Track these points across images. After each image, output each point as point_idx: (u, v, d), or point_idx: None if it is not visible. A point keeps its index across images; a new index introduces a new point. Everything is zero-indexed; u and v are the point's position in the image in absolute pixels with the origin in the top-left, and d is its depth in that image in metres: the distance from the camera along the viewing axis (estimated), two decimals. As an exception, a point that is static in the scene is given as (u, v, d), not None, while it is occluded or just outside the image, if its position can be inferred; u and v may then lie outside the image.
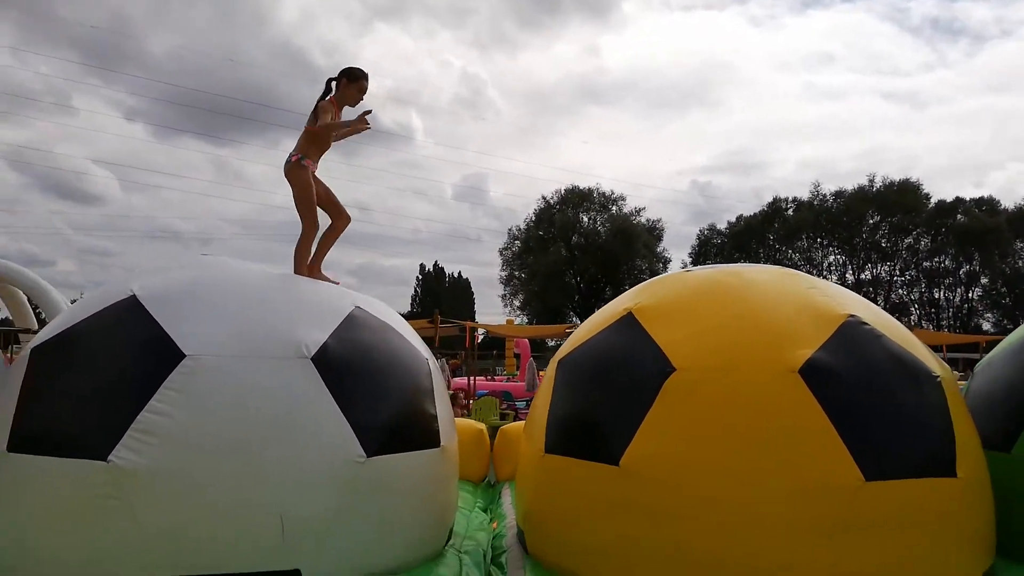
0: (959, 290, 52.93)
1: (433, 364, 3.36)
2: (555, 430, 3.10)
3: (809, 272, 54.48)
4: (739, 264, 3.47)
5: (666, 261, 55.44)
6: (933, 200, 50.97)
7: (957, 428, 2.78)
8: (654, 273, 55.10)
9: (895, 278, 53.66)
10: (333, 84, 3.95)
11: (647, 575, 2.68)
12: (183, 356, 2.59)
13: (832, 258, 54.48)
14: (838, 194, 52.25)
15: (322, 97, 3.92)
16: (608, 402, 2.93)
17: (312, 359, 2.71)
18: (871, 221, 51.86)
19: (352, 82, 3.93)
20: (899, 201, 49.67)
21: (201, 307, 2.80)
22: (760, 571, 2.56)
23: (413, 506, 2.92)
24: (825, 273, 54.07)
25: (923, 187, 50.71)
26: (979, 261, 50.76)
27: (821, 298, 3.04)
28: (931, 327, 48.62)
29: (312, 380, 2.69)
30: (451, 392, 15.32)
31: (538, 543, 3.15)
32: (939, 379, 2.87)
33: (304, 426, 2.63)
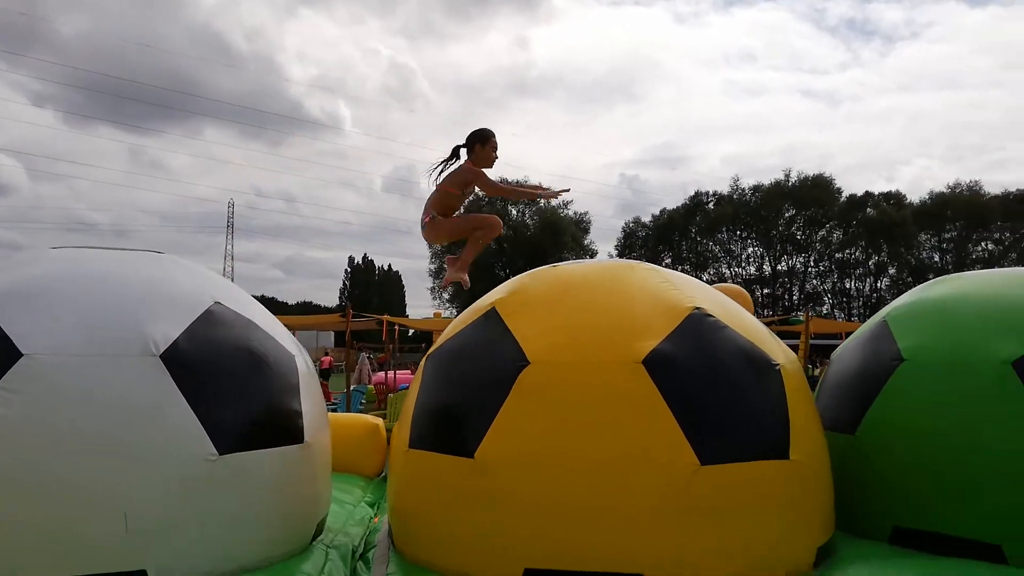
0: (868, 280, 55.55)
1: (302, 360, 3.36)
2: (418, 425, 3.15)
3: (728, 264, 56.38)
4: (611, 260, 3.59)
5: (593, 253, 56.33)
6: (845, 194, 53.24)
7: (793, 414, 2.95)
8: (581, 265, 55.82)
9: (809, 269, 55.90)
10: (462, 151, 4.08)
11: (501, 566, 2.75)
12: (21, 355, 2.52)
13: (751, 250, 56.41)
14: (756, 188, 54.07)
15: (446, 161, 4.11)
16: (466, 396, 3.00)
17: (161, 356, 2.68)
18: (787, 215, 53.85)
19: (484, 144, 4.06)
20: (813, 195, 51.73)
21: (46, 303, 2.73)
22: (606, 555, 2.67)
23: (272, 503, 2.92)
24: (744, 264, 55.93)
25: (835, 182, 52.98)
26: (887, 252, 53.33)
27: (671, 292, 3.17)
28: (842, 315, 50.91)
29: (161, 378, 2.66)
30: (364, 385, 15.23)
31: (403, 537, 3.20)
32: (779, 367, 3.03)
33: (150, 425, 2.60)
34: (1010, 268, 3.81)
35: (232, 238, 79.57)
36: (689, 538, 2.68)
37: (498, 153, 4.13)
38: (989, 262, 48.73)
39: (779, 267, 55.21)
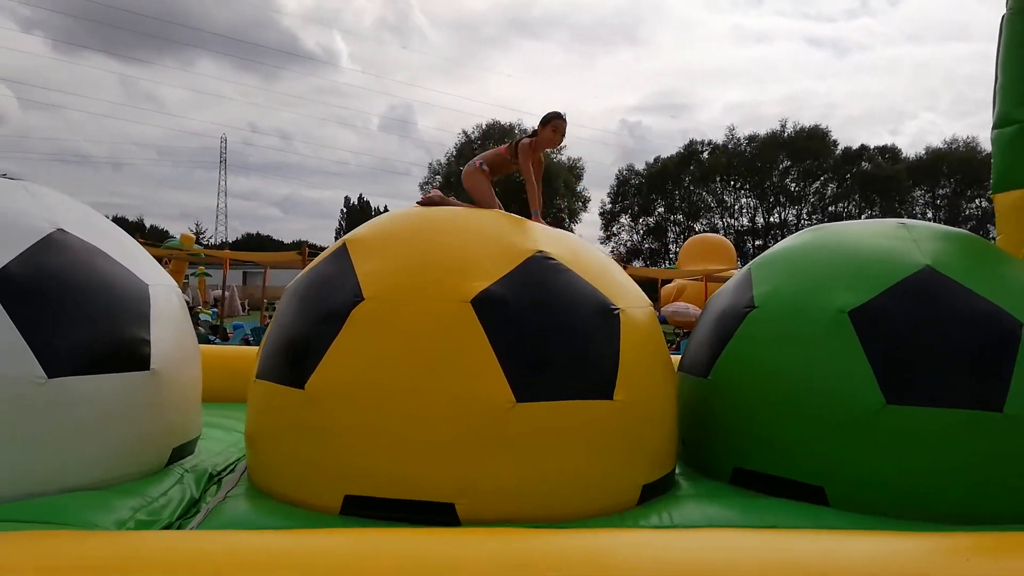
0: (860, 235, 55.20)
1: (163, 291, 3.40)
2: (264, 355, 3.22)
3: (721, 215, 56.13)
4: (473, 208, 3.58)
5: (586, 200, 56.03)
6: (841, 147, 52.71)
7: (625, 356, 3.00)
8: (573, 212, 55.69)
9: (802, 221, 55.69)
10: (539, 128, 4.20)
11: (324, 494, 2.84)
12: None
13: (744, 200, 56.10)
14: (751, 139, 53.47)
15: (520, 139, 4.18)
16: (306, 330, 3.05)
17: (-11, 282, 2.71)
18: (782, 166, 53.41)
19: (544, 126, 4.15)
20: (808, 147, 51.22)
21: None
22: (420, 485, 2.75)
23: (112, 427, 2.99)
24: (737, 215, 55.70)
25: (832, 134, 52.36)
26: (880, 207, 53.11)
27: (517, 236, 3.20)
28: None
29: (-12, 303, 2.69)
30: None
31: (251, 463, 3.29)
32: (617, 312, 3.08)
33: (-26, 349, 2.64)
34: (871, 220, 3.84)
35: (225, 174, 78.95)
36: (503, 471, 2.76)
37: (562, 136, 4.24)
38: (981, 220, 48.60)
39: (771, 219, 55.05)
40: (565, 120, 4.16)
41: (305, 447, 2.90)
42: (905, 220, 3.66)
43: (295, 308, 3.23)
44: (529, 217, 3.83)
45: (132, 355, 3.10)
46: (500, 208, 4.37)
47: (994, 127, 4.83)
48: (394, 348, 2.84)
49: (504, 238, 3.19)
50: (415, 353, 2.82)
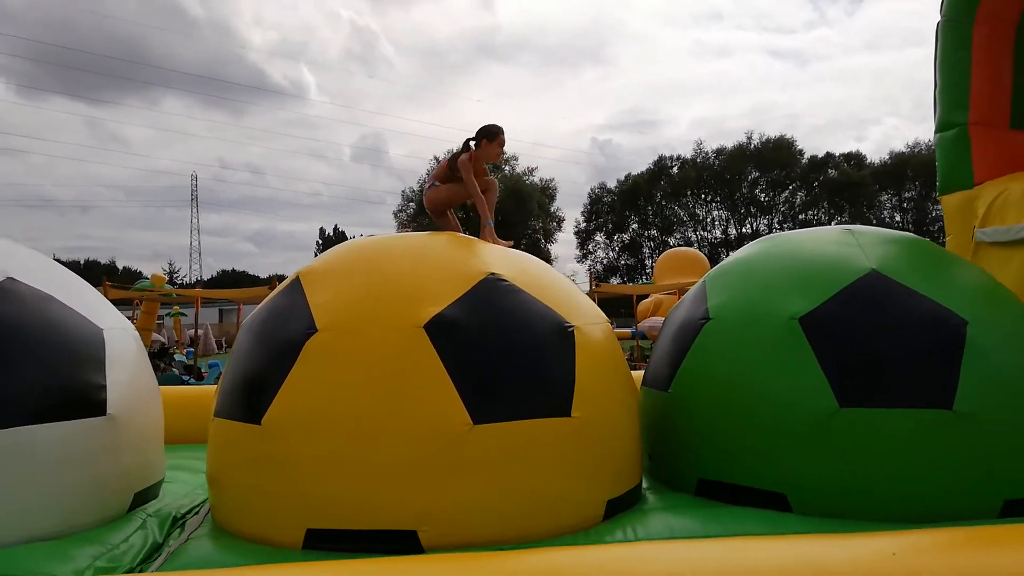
0: (831, 241, 55.97)
1: (118, 335, 3.38)
2: (221, 393, 3.21)
3: (694, 228, 56.70)
4: (426, 232, 3.61)
5: (560, 220, 56.32)
6: (807, 156, 53.60)
7: (582, 373, 3.03)
8: (548, 232, 55.95)
9: (774, 230, 56.36)
10: (472, 143, 4.28)
11: (286, 529, 2.82)
12: None
13: (716, 213, 56.73)
14: (719, 152, 54.21)
15: (458, 154, 4.28)
16: (261, 364, 3.04)
17: (-66, 334, 2.68)
18: (750, 177, 54.16)
19: (492, 140, 4.24)
20: (775, 158, 52.02)
21: None
22: (386, 512, 2.75)
23: (69, 474, 2.95)
24: (709, 228, 56.28)
25: (797, 143, 53.27)
26: (849, 213, 53.94)
27: (471, 259, 3.23)
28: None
29: (-66, 355, 2.66)
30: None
31: (214, 503, 3.26)
32: (571, 330, 3.11)
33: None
34: (819, 228, 3.92)
35: (197, 211, 78.50)
36: (464, 495, 2.76)
37: (504, 149, 4.38)
38: (947, 221, 49.37)
39: (744, 230, 55.65)
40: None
41: (265, 482, 2.89)
42: (851, 226, 3.74)
43: (250, 343, 3.22)
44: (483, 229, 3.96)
45: (87, 401, 3.07)
46: (458, 224, 4.47)
47: (936, 131, 4.97)
48: (349, 377, 2.84)
49: (456, 262, 3.22)
50: (370, 381, 2.82)
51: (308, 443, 2.81)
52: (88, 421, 3.05)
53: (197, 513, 3.47)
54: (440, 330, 2.86)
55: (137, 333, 3.78)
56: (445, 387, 2.78)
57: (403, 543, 2.70)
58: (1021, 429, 2.97)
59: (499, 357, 2.91)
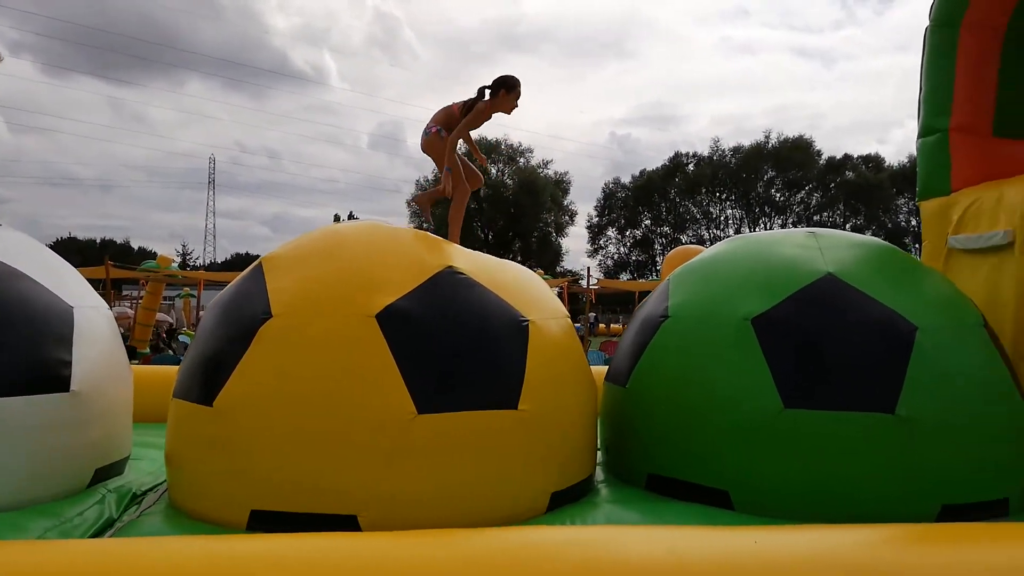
0: (846, 243, 55.56)
1: (88, 313, 3.46)
2: (180, 374, 3.28)
3: (707, 226, 56.40)
4: (386, 225, 3.64)
5: (573, 214, 56.26)
6: (824, 157, 53.16)
7: (533, 367, 3.07)
8: (560, 226, 55.91)
9: (788, 232, 56.04)
10: (487, 91, 4.17)
11: (231, 509, 2.89)
12: None
13: (730, 212, 56.46)
14: (736, 150, 53.87)
15: (475, 100, 4.19)
16: (218, 347, 3.11)
17: (-103, 307, 2.77)
18: (766, 176, 53.81)
19: (510, 92, 4.16)
20: (792, 157, 51.63)
21: None
22: (327, 496, 2.81)
23: (27, 447, 3.03)
24: (723, 227, 56.01)
25: (815, 144, 52.83)
26: (865, 216, 53.51)
27: (429, 254, 3.28)
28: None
29: None
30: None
31: (170, 483, 3.34)
32: (526, 323, 3.15)
33: None
34: (784, 230, 3.94)
35: (214, 194, 79.05)
36: (405, 482, 2.81)
37: (519, 103, 4.26)
38: (964, 226, 48.88)
39: (757, 229, 55.31)
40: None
41: (213, 463, 2.96)
42: (815, 229, 3.76)
43: (212, 325, 3.29)
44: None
45: (51, 376, 3.15)
46: (462, 175, 4.36)
47: (918, 136, 4.96)
48: (300, 363, 2.90)
49: (416, 254, 3.27)
50: (320, 367, 2.88)
51: (256, 426, 2.87)
52: (50, 396, 3.13)
53: (156, 491, 3.55)
54: (391, 320, 2.92)
55: (111, 314, 3.86)
56: (392, 376, 2.84)
57: (343, 527, 2.76)
58: (962, 435, 2.99)
59: (449, 349, 2.96)
